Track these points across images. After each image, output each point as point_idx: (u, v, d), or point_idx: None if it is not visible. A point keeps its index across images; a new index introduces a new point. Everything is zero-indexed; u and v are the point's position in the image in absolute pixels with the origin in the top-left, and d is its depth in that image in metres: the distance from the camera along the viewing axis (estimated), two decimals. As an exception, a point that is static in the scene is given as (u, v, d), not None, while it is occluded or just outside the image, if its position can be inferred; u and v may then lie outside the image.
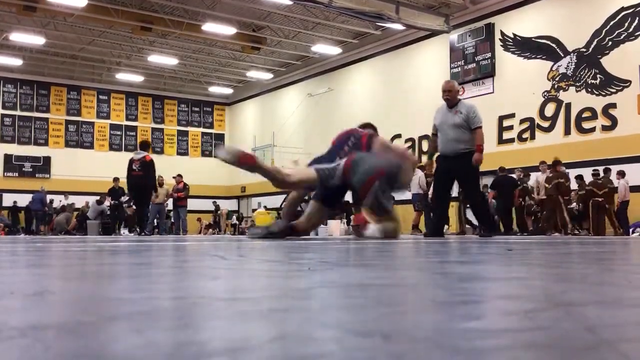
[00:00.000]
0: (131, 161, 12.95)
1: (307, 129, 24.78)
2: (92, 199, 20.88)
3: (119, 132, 27.67)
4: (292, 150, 24.33)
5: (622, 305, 0.85)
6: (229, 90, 29.07)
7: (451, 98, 7.32)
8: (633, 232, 13.03)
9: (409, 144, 19.48)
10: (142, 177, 12.67)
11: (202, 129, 29.77)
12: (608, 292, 1.06)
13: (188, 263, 2.15)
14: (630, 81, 14.87)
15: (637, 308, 0.83)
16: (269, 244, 4.29)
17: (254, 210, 24.61)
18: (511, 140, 17.54)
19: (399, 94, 20.57)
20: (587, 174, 14.62)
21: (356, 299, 0.97)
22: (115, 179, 17.04)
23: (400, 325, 0.68)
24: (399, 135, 19.81)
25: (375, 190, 5.84)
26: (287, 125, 25.66)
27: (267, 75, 26.32)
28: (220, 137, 30.17)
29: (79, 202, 23.15)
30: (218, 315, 0.76)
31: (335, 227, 16.00)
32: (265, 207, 23.32)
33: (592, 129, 15.73)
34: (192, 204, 23.38)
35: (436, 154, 7.61)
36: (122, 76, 26.39)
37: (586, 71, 15.93)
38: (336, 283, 1.24)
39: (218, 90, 28.85)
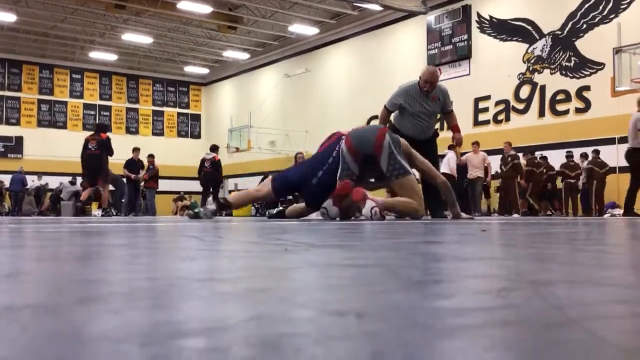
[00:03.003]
0: (86, 142, 13.21)
1: (284, 110, 24.68)
2: (65, 180, 20.61)
3: (92, 112, 27.26)
4: (269, 131, 24.24)
5: (590, 284, 0.87)
6: (205, 70, 28.77)
7: (432, 90, 6.95)
8: (605, 213, 13.30)
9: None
10: (98, 157, 12.93)
11: (177, 109, 29.47)
12: (577, 271, 1.09)
13: (164, 244, 2.14)
14: (604, 64, 15.05)
15: (605, 287, 0.85)
16: (247, 225, 4.29)
17: (230, 192, 24.54)
18: (486, 122, 17.70)
19: (376, 75, 20.57)
20: (560, 156, 14.84)
21: (332, 279, 0.98)
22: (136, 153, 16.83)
23: (374, 304, 0.70)
24: (375, 117, 19.83)
25: (389, 144, 5.81)
26: (264, 106, 25.52)
27: (243, 55, 26.08)
28: (196, 118, 29.92)
29: (53, 183, 22.82)
30: (195, 295, 0.77)
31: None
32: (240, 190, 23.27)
33: (566, 111, 15.93)
34: (167, 185, 23.25)
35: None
36: (96, 55, 25.92)
37: (561, 54, 16.08)
38: (313, 263, 1.25)
39: (194, 70, 28.53)
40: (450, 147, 12.99)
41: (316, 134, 22.71)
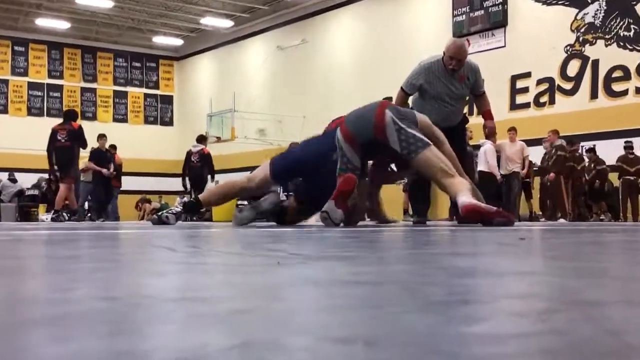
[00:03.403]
0: (54, 132, 13.31)
1: (276, 90, 24.68)
2: (4, 176, 20.62)
3: (39, 93, 27.26)
4: (258, 116, 24.24)
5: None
6: (178, 41, 28.75)
7: (459, 69, 6.89)
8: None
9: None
10: (70, 149, 13.04)
11: (144, 90, 29.46)
12: (635, 289, 1.09)
13: (127, 256, 2.14)
14: (671, 34, 15.05)
15: (671, 308, 0.85)
16: (230, 233, 4.29)
17: (210, 191, 24.61)
18: (526, 106, 17.69)
19: (390, 48, 20.55)
20: (616, 147, 14.83)
21: (335, 298, 0.98)
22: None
23: (386, 329, 0.70)
24: (389, 99, 19.82)
25: (392, 120, 5.79)
26: (252, 86, 25.51)
27: (226, 23, 26.07)
28: (167, 100, 29.92)
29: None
30: (165, 318, 0.77)
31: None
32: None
33: (624, 92, 15.92)
34: (131, 183, 23.24)
35: None
36: (43, 22, 25.90)
37: (618, 20, 16.06)
38: (311, 280, 1.25)
39: (165, 41, 28.51)
40: (488, 136, 12.74)
41: (315, 121, 22.66)
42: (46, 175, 16.98)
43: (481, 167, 13.32)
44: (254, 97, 25.11)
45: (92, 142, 15.94)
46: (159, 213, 6.50)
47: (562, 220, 13.14)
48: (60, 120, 14.03)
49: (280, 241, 3.15)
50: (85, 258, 1.95)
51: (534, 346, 0.60)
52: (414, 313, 0.82)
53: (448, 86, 6.96)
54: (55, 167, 13.21)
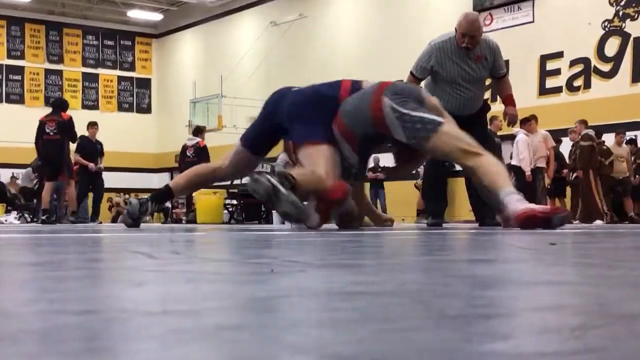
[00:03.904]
0: (42, 124, 13.60)
1: (270, 73, 24.64)
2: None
3: (-3, 76, 27.26)
4: (249, 102, 24.19)
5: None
6: (157, 16, 28.72)
7: (473, 47, 6.92)
8: None
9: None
10: (60, 143, 13.39)
11: (118, 72, 29.44)
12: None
13: (100, 263, 2.14)
14: None
15: None
16: (216, 237, 4.30)
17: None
18: (557, 90, 17.68)
19: (400, 24, 20.53)
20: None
21: (337, 311, 0.98)
22: None
23: (396, 346, 0.70)
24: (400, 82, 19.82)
25: (390, 108, 5.72)
26: (242, 67, 25.48)
27: (212, -5, 26.05)
28: (144, 84, 29.90)
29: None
30: (144, 334, 0.77)
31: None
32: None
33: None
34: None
35: None
36: (2, -6, 25.89)
37: (663, -8, 16.05)
38: (310, 290, 1.25)
39: (141, 15, 28.48)
40: (523, 123, 12.56)
41: (315, 107, 22.69)
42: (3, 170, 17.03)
43: (513, 160, 13.15)
44: (244, 80, 25.07)
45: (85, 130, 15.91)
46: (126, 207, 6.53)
47: (598, 222, 13.12)
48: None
49: (274, 246, 3.16)
50: (53, 265, 1.95)
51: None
52: (427, 329, 0.82)
53: (463, 67, 6.96)
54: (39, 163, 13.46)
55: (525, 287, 1.31)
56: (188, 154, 16.30)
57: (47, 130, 13.43)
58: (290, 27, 24.09)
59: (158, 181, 28.24)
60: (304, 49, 23.62)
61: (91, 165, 15.20)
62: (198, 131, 17.02)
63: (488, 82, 7.85)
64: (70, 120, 13.69)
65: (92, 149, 15.54)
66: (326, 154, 5.81)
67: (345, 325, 0.86)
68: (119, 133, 27.47)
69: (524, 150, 13.25)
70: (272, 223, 13.94)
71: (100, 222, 14.88)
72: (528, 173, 13.11)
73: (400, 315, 0.94)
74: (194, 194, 18.65)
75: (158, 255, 2.39)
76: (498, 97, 8.91)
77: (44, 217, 13.41)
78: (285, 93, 6.52)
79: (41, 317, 0.89)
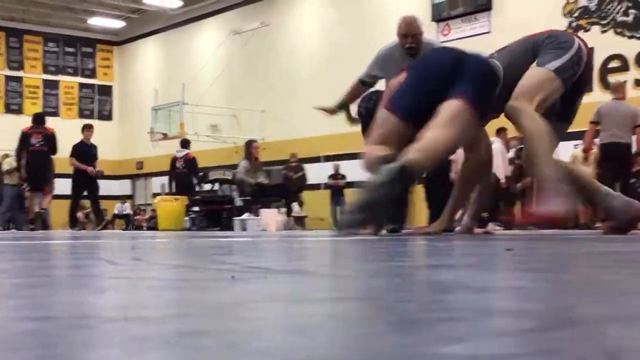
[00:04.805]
0: (27, 135, 13.80)
1: (232, 81, 24.60)
2: None
3: (-45, 83, 26.86)
4: (210, 110, 24.12)
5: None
6: (118, 23, 28.52)
7: (417, 45, 6.91)
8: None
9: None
10: (45, 155, 13.78)
11: (79, 79, 29.17)
12: (635, 304, 1.11)
13: (60, 270, 2.12)
14: (673, 20, 15.33)
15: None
16: (177, 244, 4.27)
17: (155, 195, 24.37)
18: (513, 99, 17.88)
19: (364, 32, 20.58)
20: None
21: (298, 317, 0.98)
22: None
23: (355, 351, 0.71)
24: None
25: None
26: (203, 76, 25.39)
27: (174, 3, 25.94)
28: (106, 91, 29.66)
29: None
30: (105, 341, 0.76)
31: (271, 218, 16.05)
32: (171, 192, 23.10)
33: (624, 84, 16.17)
34: (65, 187, 22.93)
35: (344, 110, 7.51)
36: (-39, 0, 25.52)
37: (615, 4, 16.33)
38: (272, 296, 1.25)
39: (103, 22, 28.26)
40: (499, 132, 12.70)
41: (277, 116, 22.67)
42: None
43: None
44: (205, 88, 24.98)
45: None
46: None
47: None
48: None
49: (235, 252, 3.15)
50: (11, 272, 1.93)
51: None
52: (385, 333, 0.83)
53: None
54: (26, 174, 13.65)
55: (480, 292, 1.33)
56: (178, 165, 16.55)
57: (34, 142, 13.63)
58: (252, 36, 24.07)
59: (119, 188, 28.03)
60: (266, 57, 23.60)
61: (90, 169, 14.86)
62: (186, 143, 17.17)
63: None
64: (54, 133, 13.98)
65: (87, 152, 15.25)
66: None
67: (306, 330, 0.86)
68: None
69: (498, 158, 13.41)
70: (233, 230, 13.90)
71: (106, 227, 14.98)
72: (502, 180, 13.30)
73: (359, 320, 0.94)
74: (156, 201, 18.59)
75: (119, 261, 2.37)
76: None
77: (32, 227, 13.63)
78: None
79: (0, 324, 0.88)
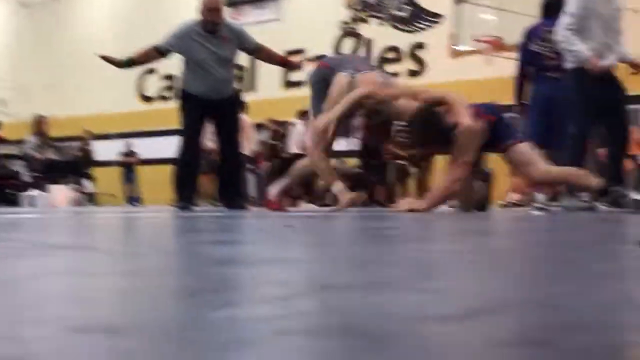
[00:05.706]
0: None
1: (22, 54, 23.34)
2: None
3: None
4: (-6, 85, 22.77)
5: (390, 288, 1.02)
6: None
7: (219, 21, 6.94)
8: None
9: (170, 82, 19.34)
10: None
11: None
12: (372, 271, 1.24)
13: None
14: (442, 16, 16.28)
15: (401, 291, 1.00)
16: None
17: None
18: (300, 84, 18.31)
19: (159, 6, 20.21)
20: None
21: (80, 290, 1.02)
22: None
23: (132, 318, 0.76)
24: (151, 71, 19.54)
25: None
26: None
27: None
28: None
29: None
30: None
31: (61, 195, 15.44)
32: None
33: (395, 75, 17.03)
34: None
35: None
36: None
37: (392, 0, 17.12)
38: (54, 271, 1.27)
39: None
40: (303, 115, 12.48)
41: (66, 90, 21.72)
42: None
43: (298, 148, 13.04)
44: (-9, 62, 23.54)
45: None
46: None
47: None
48: None
49: (20, 229, 3.06)
50: None
51: (271, 329, 0.70)
52: (162, 302, 0.89)
53: (210, 49, 6.95)
54: None
55: (254, 264, 1.42)
56: None
57: None
58: (43, 9, 22.92)
59: None
60: (57, 31, 22.54)
61: None
62: None
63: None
64: None
65: None
66: None
67: (88, 301, 0.90)
68: None
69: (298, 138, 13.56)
70: (19, 206, 13.24)
71: None
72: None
73: (138, 292, 1.00)
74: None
75: None
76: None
77: None
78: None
79: None
